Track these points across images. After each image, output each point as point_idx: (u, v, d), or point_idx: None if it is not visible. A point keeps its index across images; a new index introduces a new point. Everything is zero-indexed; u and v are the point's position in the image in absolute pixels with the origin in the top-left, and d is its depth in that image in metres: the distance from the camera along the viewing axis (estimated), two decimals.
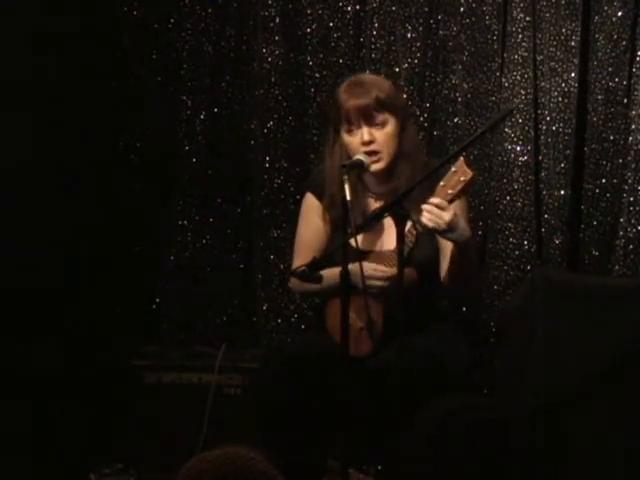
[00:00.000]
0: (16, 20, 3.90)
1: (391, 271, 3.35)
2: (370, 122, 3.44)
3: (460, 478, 1.94)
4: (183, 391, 3.89)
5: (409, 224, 3.26)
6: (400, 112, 3.49)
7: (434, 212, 3.16)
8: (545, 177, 3.97)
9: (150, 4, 4.24)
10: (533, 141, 3.96)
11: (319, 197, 3.60)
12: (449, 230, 3.18)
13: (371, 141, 3.43)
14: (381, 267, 3.39)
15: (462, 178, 3.14)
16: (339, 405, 3.13)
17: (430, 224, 3.17)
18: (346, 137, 3.48)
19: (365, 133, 3.43)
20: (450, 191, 3.16)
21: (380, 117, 3.45)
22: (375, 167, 3.45)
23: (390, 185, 3.49)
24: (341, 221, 3.33)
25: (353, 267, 3.15)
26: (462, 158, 3.17)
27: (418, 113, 4.07)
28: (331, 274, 3.26)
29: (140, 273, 4.25)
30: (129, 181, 4.24)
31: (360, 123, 3.44)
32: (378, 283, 3.36)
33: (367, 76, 3.63)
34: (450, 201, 3.18)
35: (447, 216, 3.16)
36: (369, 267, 3.33)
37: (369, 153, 3.43)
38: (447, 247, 3.41)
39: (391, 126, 3.47)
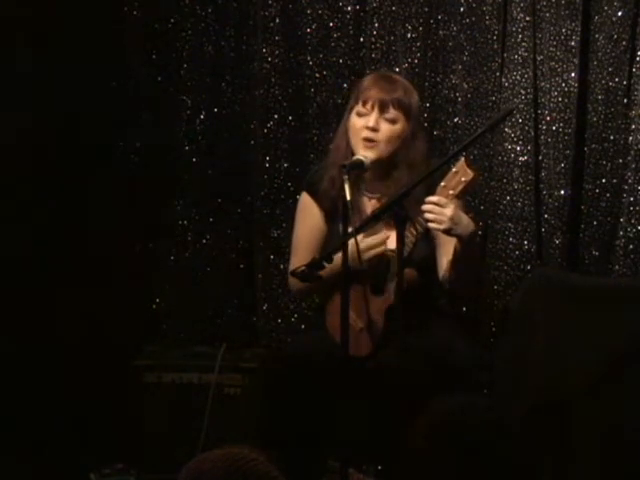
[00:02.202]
0: (15, 18, 3.90)
1: (383, 236, 3.35)
2: (383, 113, 3.46)
3: (460, 477, 1.94)
4: (183, 391, 3.89)
5: (409, 224, 3.26)
6: (413, 120, 3.49)
7: (435, 211, 3.16)
8: (545, 177, 3.97)
9: (150, 4, 4.24)
10: (533, 141, 3.96)
11: (315, 196, 3.61)
12: (454, 226, 3.18)
13: (375, 129, 3.45)
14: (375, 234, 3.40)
15: (463, 178, 3.13)
16: (339, 405, 3.13)
17: (434, 225, 3.17)
18: (354, 117, 3.50)
19: (373, 119, 3.45)
20: (451, 192, 3.16)
21: (394, 113, 3.46)
22: (367, 154, 3.44)
23: (386, 189, 3.48)
24: (336, 214, 3.32)
25: (350, 248, 3.12)
26: (463, 158, 3.17)
27: None
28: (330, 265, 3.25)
29: (140, 273, 4.25)
30: (129, 181, 4.24)
31: (372, 110, 3.46)
32: (375, 250, 3.36)
33: (397, 76, 3.64)
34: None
35: (449, 212, 3.16)
36: (362, 241, 3.32)
37: (368, 139, 3.44)
38: (447, 245, 3.41)
39: (400, 126, 3.47)
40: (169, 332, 4.25)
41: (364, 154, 3.43)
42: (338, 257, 3.11)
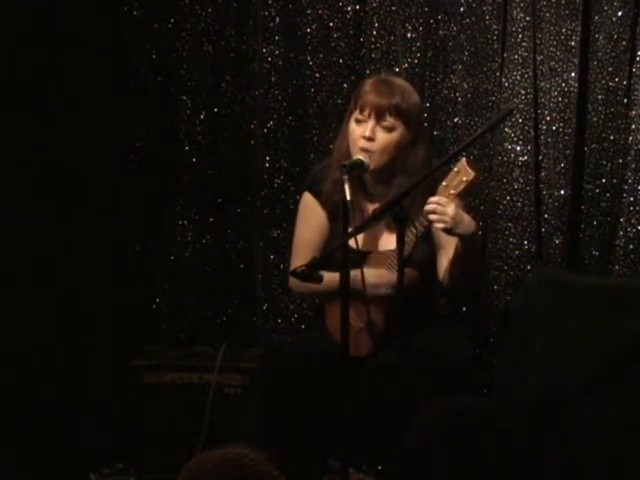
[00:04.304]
0: (15, 17, 3.90)
1: (394, 279, 3.35)
2: (380, 121, 3.43)
3: (460, 477, 1.94)
4: (183, 391, 3.89)
5: (409, 225, 3.26)
6: (413, 126, 3.47)
7: (438, 210, 3.17)
8: (545, 177, 3.98)
9: (150, 4, 4.23)
10: (533, 141, 3.96)
11: (317, 196, 3.61)
12: (455, 225, 3.19)
13: (371, 138, 3.43)
14: (383, 272, 3.39)
15: (464, 178, 3.15)
16: (339, 405, 3.13)
17: (439, 225, 3.18)
18: (352, 124, 3.48)
19: (369, 129, 3.43)
20: (452, 191, 3.17)
21: (391, 121, 3.44)
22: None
23: (388, 192, 3.47)
24: (338, 215, 3.33)
25: (355, 274, 3.15)
26: (464, 158, 3.18)
27: None
28: (331, 278, 3.26)
29: (140, 273, 4.25)
30: (129, 181, 4.24)
31: (370, 118, 3.44)
32: (382, 291, 3.37)
33: (397, 80, 3.60)
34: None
35: (450, 211, 3.17)
36: (372, 274, 3.34)
37: (365, 149, 3.43)
38: (448, 245, 3.41)
39: (397, 134, 3.45)
40: (169, 332, 4.25)
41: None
42: (336, 277, 3.12)
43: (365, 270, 3.26)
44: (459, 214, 3.20)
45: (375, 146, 3.43)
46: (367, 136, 3.42)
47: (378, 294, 3.38)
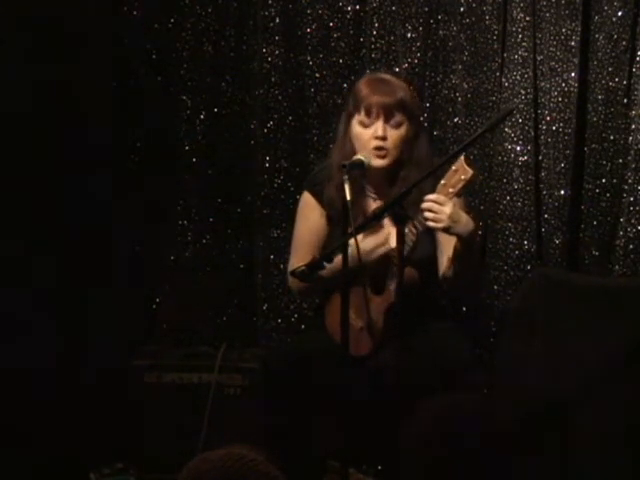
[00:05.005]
0: (14, 17, 3.90)
1: (384, 235, 3.35)
2: (388, 120, 3.44)
3: (458, 475, 1.94)
4: (183, 391, 3.90)
5: (409, 224, 3.26)
6: (415, 119, 3.49)
7: (434, 208, 3.17)
8: (545, 177, 3.98)
9: (150, 4, 4.24)
10: (533, 141, 3.96)
11: (317, 196, 3.61)
12: (452, 224, 3.19)
13: (384, 137, 3.44)
14: (375, 236, 3.40)
15: (463, 176, 3.14)
16: (339, 405, 3.13)
17: (433, 223, 3.18)
18: (358, 128, 3.48)
19: (380, 128, 3.43)
20: (451, 190, 3.16)
21: (398, 118, 3.45)
22: (379, 163, 3.44)
23: (394, 189, 3.47)
24: (339, 217, 3.33)
25: (350, 248, 3.13)
26: (462, 157, 3.17)
27: None
28: (332, 267, 3.25)
29: (140, 273, 4.25)
30: (129, 181, 4.24)
31: (378, 118, 3.44)
32: (377, 251, 3.37)
33: (390, 76, 3.60)
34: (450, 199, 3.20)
35: (448, 209, 3.16)
36: (365, 241, 3.33)
37: (378, 148, 3.43)
38: (447, 244, 3.41)
39: (404, 129, 3.47)
40: (169, 332, 4.25)
41: (374, 164, 3.43)
42: (339, 259, 3.12)
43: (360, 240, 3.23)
44: (456, 213, 3.20)
45: (388, 144, 3.44)
46: (380, 135, 3.43)
47: (379, 254, 3.36)
